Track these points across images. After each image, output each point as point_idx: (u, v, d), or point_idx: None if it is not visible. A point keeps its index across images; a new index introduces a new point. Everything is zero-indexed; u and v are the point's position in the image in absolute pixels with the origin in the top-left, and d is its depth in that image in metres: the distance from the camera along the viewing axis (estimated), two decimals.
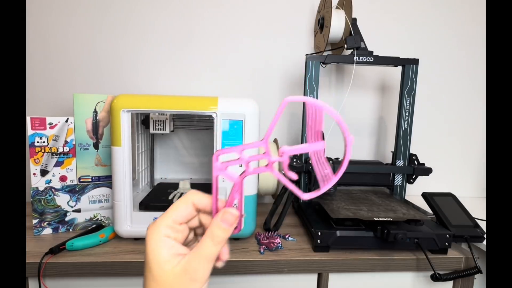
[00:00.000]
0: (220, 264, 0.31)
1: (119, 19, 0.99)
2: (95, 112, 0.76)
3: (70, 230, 0.78)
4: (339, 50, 0.93)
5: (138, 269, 0.65)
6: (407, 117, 0.87)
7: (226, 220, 0.29)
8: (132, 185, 0.73)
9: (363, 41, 0.85)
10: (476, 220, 0.76)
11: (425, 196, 0.82)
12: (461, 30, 1.07)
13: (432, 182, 1.08)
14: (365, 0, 1.03)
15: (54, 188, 0.75)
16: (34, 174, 0.73)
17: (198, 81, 1.03)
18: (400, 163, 0.89)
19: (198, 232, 0.34)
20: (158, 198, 0.80)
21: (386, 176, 0.90)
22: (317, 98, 0.84)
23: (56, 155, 0.74)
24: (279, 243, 0.71)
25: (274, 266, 0.67)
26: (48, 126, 0.73)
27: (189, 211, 0.30)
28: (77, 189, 0.77)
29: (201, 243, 0.29)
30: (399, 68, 0.87)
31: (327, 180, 0.28)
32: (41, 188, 0.74)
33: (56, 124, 0.74)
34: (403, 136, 0.88)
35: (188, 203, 0.30)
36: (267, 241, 0.71)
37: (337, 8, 0.93)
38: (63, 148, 0.75)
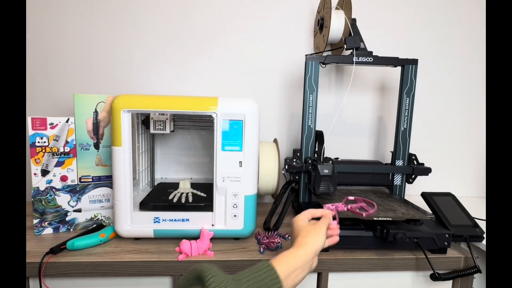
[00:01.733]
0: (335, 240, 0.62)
1: (120, 20, 0.99)
2: (96, 112, 0.77)
3: (71, 230, 0.78)
4: (338, 51, 0.93)
5: (138, 268, 0.65)
6: (406, 117, 0.87)
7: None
8: (133, 185, 0.73)
9: (362, 41, 0.85)
10: (475, 220, 0.76)
11: (425, 196, 0.82)
12: (461, 30, 1.07)
13: (432, 182, 1.09)
14: (365, 0, 1.03)
15: (54, 188, 0.75)
16: (35, 174, 0.73)
17: (198, 81, 1.03)
18: (399, 163, 0.89)
19: None
20: (158, 198, 0.80)
21: (386, 176, 0.91)
22: (317, 98, 0.84)
23: (57, 155, 0.75)
24: (279, 242, 0.71)
25: None
26: (49, 126, 0.73)
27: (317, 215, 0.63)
28: (77, 189, 0.77)
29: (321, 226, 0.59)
30: (399, 68, 0.88)
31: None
32: (41, 188, 0.74)
33: (56, 124, 0.74)
34: (402, 136, 0.88)
35: (320, 212, 0.63)
36: (267, 240, 0.71)
37: (336, 8, 0.93)
38: (63, 148, 0.75)
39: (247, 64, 1.04)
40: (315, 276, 0.71)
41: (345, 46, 0.84)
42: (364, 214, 0.68)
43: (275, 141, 0.95)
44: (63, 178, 0.76)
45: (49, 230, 0.76)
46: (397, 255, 0.70)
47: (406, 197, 0.90)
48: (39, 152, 0.73)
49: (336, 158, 0.95)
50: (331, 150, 1.05)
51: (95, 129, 0.77)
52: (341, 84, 1.08)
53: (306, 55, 0.85)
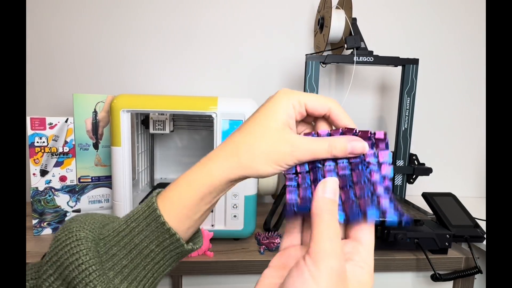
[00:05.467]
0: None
1: (119, 19, 0.98)
2: (95, 112, 0.76)
3: None
4: (339, 50, 0.93)
5: None
6: (407, 117, 0.87)
7: (354, 146, 0.27)
8: (132, 185, 0.73)
9: (363, 41, 0.85)
10: (476, 220, 0.76)
11: (425, 196, 0.81)
12: (461, 30, 1.07)
13: (432, 182, 1.08)
14: (365, 0, 1.03)
15: (54, 188, 0.75)
16: (34, 174, 0.73)
17: (198, 81, 1.03)
18: (400, 163, 0.89)
19: None
20: None
21: None
22: None
23: (56, 155, 0.74)
24: (279, 243, 0.71)
25: None
26: (48, 126, 0.73)
27: (322, 111, 0.30)
28: (77, 189, 0.77)
29: (317, 143, 0.28)
30: (399, 68, 0.87)
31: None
32: (41, 188, 0.74)
33: (56, 124, 0.74)
34: (403, 136, 0.88)
35: (325, 105, 0.30)
36: (267, 241, 0.71)
37: (337, 8, 0.93)
38: (63, 148, 0.75)
39: (247, 64, 1.03)
40: None
41: (345, 45, 0.84)
42: None
43: None
44: (62, 178, 0.76)
45: (48, 231, 0.76)
46: (397, 255, 0.69)
47: (406, 198, 0.89)
48: (38, 152, 0.73)
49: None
50: None
51: (94, 129, 0.77)
52: (341, 84, 1.07)
53: (306, 54, 0.85)
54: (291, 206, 0.27)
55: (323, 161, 0.28)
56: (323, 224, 0.23)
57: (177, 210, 0.30)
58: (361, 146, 0.27)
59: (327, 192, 0.25)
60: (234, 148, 0.29)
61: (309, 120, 0.32)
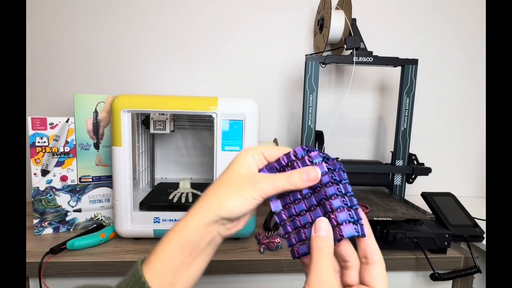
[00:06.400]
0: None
1: (119, 19, 0.99)
2: (96, 112, 0.77)
3: (71, 230, 0.78)
4: (338, 51, 0.93)
5: None
6: (406, 117, 0.87)
7: (308, 173, 0.32)
8: (133, 185, 0.73)
9: (362, 41, 0.85)
10: (475, 219, 0.76)
11: (425, 196, 0.82)
12: (461, 30, 1.07)
13: (432, 182, 1.08)
14: (365, 0, 1.03)
15: (54, 188, 0.75)
16: (34, 174, 0.73)
17: (198, 81, 1.03)
18: (399, 163, 0.89)
19: None
20: (158, 198, 0.80)
21: (386, 176, 0.91)
22: (317, 98, 0.84)
23: (57, 155, 0.75)
24: (279, 242, 0.71)
25: (274, 266, 0.67)
26: (48, 126, 0.73)
27: (277, 156, 0.34)
28: (77, 189, 0.77)
29: (276, 175, 0.33)
30: (399, 68, 0.88)
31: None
32: (41, 188, 0.74)
33: (56, 124, 0.74)
34: (402, 136, 0.88)
35: (279, 151, 0.34)
36: (267, 240, 0.71)
37: (336, 8, 0.93)
38: (63, 148, 0.75)
39: (247, 64, 1.04)
40: None
41: (345, 46, 0.84)
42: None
43: (275, 141, 0.95)
44: (63, 178, 0.76)
45: (49, 230, 0.76)
46: (397, 255, 0.70)
47: (406, 197, 0.90)
48: (39, 152, 0.73)
49: (336, 158, 0.95)
50: (331, 150, 1.05)
51: (95, 129, 0.77)
52: (341, 84, 1.08)
53: (306, 55, 0.85)
54: (293, 253, 0.33)
55: (293, 198, 0.33)
56: (322, 258, 0.29)
57: (160, 270, 0.31)
58: (314, 173, 0.32)
59: (321, 231, 0.30)
60: (205, 196, 0.34)
61: None
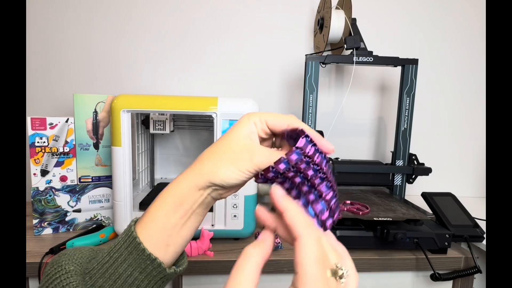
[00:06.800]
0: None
1: (119, 19, 0.99)
2: (95, 112, 0.76)
3: (71, 230, 0.78)
4: (338, 50, 0.93)
5: None
6: (406, 117, 0.87)
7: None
8: (132, 185, 0.73)
9: (362, 41, 0.85)
10: (475, 220, 0.76)
11: (425, 196, 0.82)
12: (461, 30, 1.07)
13: (432, 182, 1.08)
14: (365, 0, 1.03)
15: (54, 188, 0.75)
16: (34, 174, 0.73)
17: (198, 81, 1.03)
18: (399, 163, 0.89)
19: None
20: None
21: (386, 176, 0.91)
22: (317, 98, 0.84)
23: (57, 155, 0.75)
24: (279, 243, 0.71)
25: (274, 266, 0.67)
26: (48, 126, 0.73)
27: (281, 126, 0.32)
28: (77, 189, 0.77)
29: (274, 152, 0.31)
30: (399, 68, 0.88)
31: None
32: (41, 188, 0.74)
33: (56, 124, 0.74)
34: (402, 136, 0.88)
35: (284, 121, 0.32)
36: None
37: (336, 8, 0.93)
38: (63, 148, 0.75)
39: (247, 64, 1.04)
40: None
41: (345, 46, 0.84)
42: (360, 213, 0.69)
43: None
44: (63, 178, 0.76)
45: (48, 230, 0.76)
46: (397, 255, 0.70)
47: (406, 197, 0.90)
48: (38, 152, 0.73)
49: (336, 158, 0.95)
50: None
51: (94, 129, 0.77)
52: (341, 84, 1.07)
53: (306, 55, 0.85)
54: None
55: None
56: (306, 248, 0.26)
57: (154, 231, 0.31)
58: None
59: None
60: (199, 160, 0.32)
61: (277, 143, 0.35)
